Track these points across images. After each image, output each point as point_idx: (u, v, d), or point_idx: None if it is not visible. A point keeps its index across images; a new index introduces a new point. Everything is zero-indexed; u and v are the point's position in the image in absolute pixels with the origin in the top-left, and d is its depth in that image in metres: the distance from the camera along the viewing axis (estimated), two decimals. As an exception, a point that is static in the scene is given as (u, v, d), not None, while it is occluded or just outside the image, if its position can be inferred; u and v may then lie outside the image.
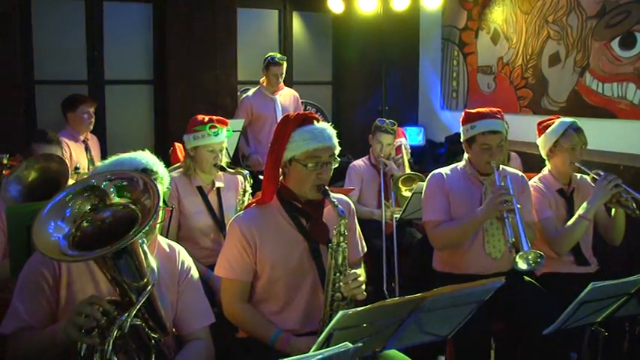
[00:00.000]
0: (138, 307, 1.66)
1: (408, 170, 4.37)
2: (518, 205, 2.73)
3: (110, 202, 1.73)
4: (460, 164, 3.10)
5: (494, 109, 3.00)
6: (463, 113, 3.07)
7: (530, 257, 2.59)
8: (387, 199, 4.20)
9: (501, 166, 3.00)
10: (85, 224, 1.69)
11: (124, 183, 1.75)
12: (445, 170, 3.09)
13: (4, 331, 1.85)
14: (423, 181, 4.07)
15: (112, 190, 1.74)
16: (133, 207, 1.71)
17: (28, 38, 5.18)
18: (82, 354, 1.66)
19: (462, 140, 3.06)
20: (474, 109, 3.08)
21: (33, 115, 5.28)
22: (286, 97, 5.35)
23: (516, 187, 2.97)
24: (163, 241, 2.15)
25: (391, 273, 3.88)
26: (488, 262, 2.96)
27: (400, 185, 4.19)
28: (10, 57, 4.95)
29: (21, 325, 1.84)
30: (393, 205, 4.23)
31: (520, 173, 3.14)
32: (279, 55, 5.19)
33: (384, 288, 3.83)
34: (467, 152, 3.06)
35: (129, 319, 1.65)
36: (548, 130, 3.25)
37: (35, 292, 1.87)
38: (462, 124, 3.04)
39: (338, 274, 2.14)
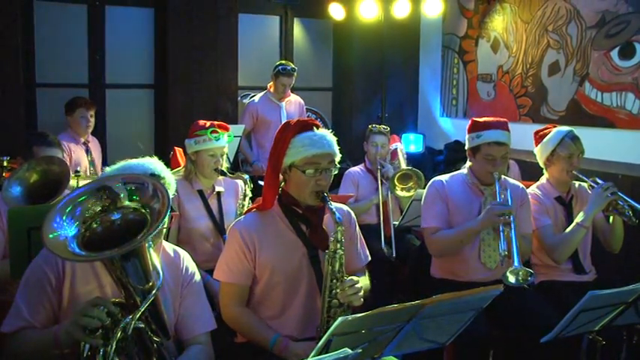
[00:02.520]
0: (143, 309, 1.67)
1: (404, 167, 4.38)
2: (515, 220, 2.74)
3: (121, 205, 1.75)
4: (462, 172, 3.11)
5: (502, 120, 3.00)
6: (470, 121, 3.06)
7: (520, 273, 2.60)
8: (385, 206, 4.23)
9: (502, 177, 3.01)
10: (94, 225, 1.71)
11: (136, 187, 1.77)
12: (445, 178, 3.10)
13: (5, 329, 1.86)
14: (420, 178, 4.12)
15: (123, 193, 1.76)
16: (143, 211, 1.73)
17: (30, 41, 5.20)
18: (84, 354, 1.66)
19: (466, 148, 3.07)
20: (476, 117, 3.08)
21: (34, 118, 5.29)
22: (292, 104, 5.35)
23: (516, 199, 2.98)
24: (168, 246, 2.17)
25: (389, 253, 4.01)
26: (484, 271, 2.97)
27: (396, 183, 4.19)
28: (12, 59, 4.95)
29: (22, 325, 1.85)
30: (390, 207, 4.25)
31: (520, 185, 3.14)
32: (291, 66, 5.15)
33: (383, 242, 3.99)
34: (470, 160, 3.06)
35: (133, 322, 1.66)
36: (544, 140, 3.26)
37: (38, 292, 1.88)
38: (468, 132, 3.04)
39: (335, 281, 2.15)
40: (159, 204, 1.70)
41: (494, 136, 2.93)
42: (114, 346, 1.63)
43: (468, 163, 3.08)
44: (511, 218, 2.72)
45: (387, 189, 4.23)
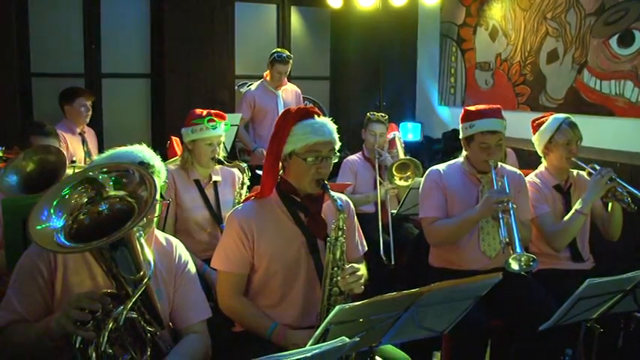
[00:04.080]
0: (134, 299, 1.66)
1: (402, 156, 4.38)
2: (514, 206, 2.73)
3: (107, 195, 1.73)
4: (458, 160, 3.09)
5: (495, 107, 2.98)
6: (463, 110, 3.04)
7: (522, 259, 2.59)
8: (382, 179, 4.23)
9: (499, 164, 3.00)
10: (81, 216, 1.69)
11: (121, 175, 1.74)
12: (443, 167, 3.08)
13: None
14: (418, 167, 4.11)
15: (109, 182, 1.73)
16: (130, 199, 1.71)
17: (24, 30, 5.16)
18: (77, 346, 1.66)
19: (460, 137, 3.05)
20: (472, 105, 3.07)
21: (29, 108, 5.27)
22: (289, 92, 5.33)
23: (513, 186, 2.97)
24: (160, 235, 2.15)
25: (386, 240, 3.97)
26: (483, 260, 2.96)
27: (394, 172, 4.18)
28: (7, 49, 4.93)
29: (14, 318, 1.83)
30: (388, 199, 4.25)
31: (518, 171, 3.14)
32: (286, 54, 5.12)
33: (382, 254, 3.92)
34: (465, 150, 3.04)
35: (124, 312, 1.65)
36: (542, 127, 3.25)
37: (29, 284, 1.87)
38: (461, 122, 3.01)
39: (336, 269, 2.14)
40: (146, 192, 1.68)
41: (487, 125, 2.90)
42: (106, 337, 1.62)
43: (464, 152, 3.07)
44: (510, 205, 2.71)
45: (387, 180, 4.21)
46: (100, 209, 1.72)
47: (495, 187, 2.83)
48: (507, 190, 2.79)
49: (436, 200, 2.99)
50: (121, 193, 1.73)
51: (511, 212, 2.69)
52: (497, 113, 2.95)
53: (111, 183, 1.73)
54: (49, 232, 1.61)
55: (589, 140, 3.39)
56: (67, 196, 1.69)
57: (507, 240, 2.67)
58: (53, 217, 1.64)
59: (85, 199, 1.71)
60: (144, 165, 1.94)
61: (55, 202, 1.67)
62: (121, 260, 1.67)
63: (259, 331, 2.22)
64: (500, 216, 2.73)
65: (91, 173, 1.75)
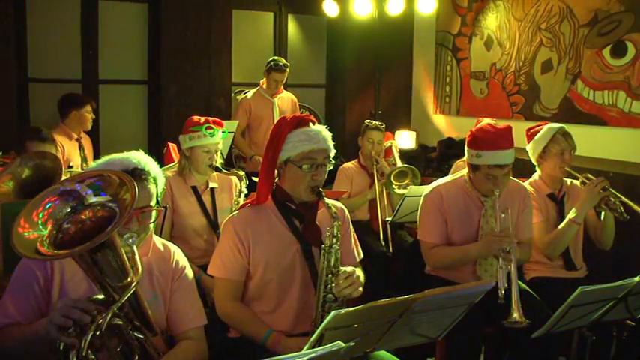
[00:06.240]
0: (118, 305, 1.64)
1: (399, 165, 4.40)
2: (515, 248, 2.64)
3: (89, 203, 1.70)
4: (461, 177, 2.99)
5: (505, 133, 2.78)
6: (469, 133, 2.87)
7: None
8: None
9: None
10: (66, 225, 1.67)
11: (99, 182, 1.72)
12: (444, 185, 2.98)
13: None
14: (417, 175, 4.12)
15: (88, 191, 1.71)
16: (111, 205, 1.68)
17: (22, 36, 5.17)
18: (60, 349, 1.64)
19: (465, 160, 2.94)
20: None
21: (26, 113, 5.26)
22: (285, 100, 5.36)
23: (518, 203, 2.95)
24: (158, 241, 2.15)
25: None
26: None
27: (392, 180, 4.19)
28: (4, 54, 4.93)
29: (8, 321, 1.84)
30: (385, 203, 4.27)
31: (523, 186, 3.09)
32: (283, 62, 5.14)
33: (381, 238, 4.05)
34: (470, 174, 2.92)
35: (107, 317, 1.63)
36: (536, 137, 3.27)
37: (25, 290, 1.88)
38: (468, 146, 2.86)
39: (330, 276, 2.16)
40: (128, 193, 1.65)
41: (495, 159, 2.73)
42: (87, 342, 1.60)
43: (468, 173, 2.95)
44: (512, 250, 2.62)
45: (382, 185, 4.24)
46: (84, 217, 1.69)
47: (499, 227, 2.73)
48: (510, 228, 2.71)
49: (436, 224, 2.91)
50: (103, 199, 1.70)
51: (512, 257, 2.60)
52: (508, 142, 2.75)
53: (90, 191, 1.71)
54: (32, 240, 1.59)
55: (582, 150, 3.42)
56: (49, 206, 1.66)
57: (505, 287, 2.57)
58: (36, 225, 1.63)
59: (69, 209, 1.68)
60: (138, 171, 1.93)
61: (37, 212, 1.64)
62: (106, 266, 1.65)
63: (255, 337, 2.23)
64: (500, 264, 2.61)
65: (66, 187, 1.72)
